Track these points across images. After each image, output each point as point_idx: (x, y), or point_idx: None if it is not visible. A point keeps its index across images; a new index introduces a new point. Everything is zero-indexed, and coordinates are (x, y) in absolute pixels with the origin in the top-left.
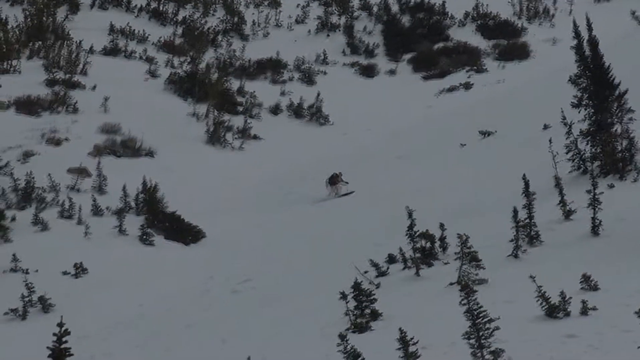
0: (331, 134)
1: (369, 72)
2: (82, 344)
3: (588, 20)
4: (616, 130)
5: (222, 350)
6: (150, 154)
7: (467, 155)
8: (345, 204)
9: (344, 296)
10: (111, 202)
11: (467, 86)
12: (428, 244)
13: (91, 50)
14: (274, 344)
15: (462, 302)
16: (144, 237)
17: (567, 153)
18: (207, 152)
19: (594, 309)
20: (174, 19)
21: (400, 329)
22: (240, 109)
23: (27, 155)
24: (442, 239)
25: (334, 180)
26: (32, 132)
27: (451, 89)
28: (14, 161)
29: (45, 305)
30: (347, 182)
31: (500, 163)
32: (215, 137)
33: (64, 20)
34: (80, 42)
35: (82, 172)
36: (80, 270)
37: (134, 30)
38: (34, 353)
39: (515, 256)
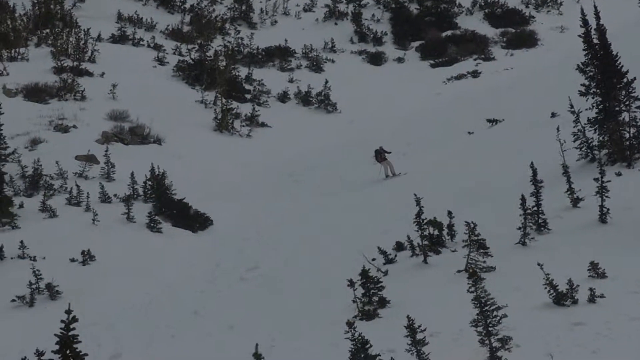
0: (339, 121)
1: (376, 60)
2: (90, 330)
3: (596, 8)
4: (624, 118)
5: (230, 336)
6: (158, 141)
7: (474, 142)
8: (351, 192)
9: (351, 284)
10: (119, 189)
11: (475, 74)
12: (436, 232)
13: (99, 38)
14: (282, 330)
15: (470, 290)
16: (152, 224)
17: (574, 141)
18: (215, 139)
19: (602, 296)
20: (182, 7)
21: (408, 316)
22: (248, 96)
23: (34, 143)
24: (450, 226)
25: (381, 156)
26: (40, 119)
27: (459, 77)
28: (21, 148)
29: (52, 292)
30: (389, 152)
31: (507, 151)
32: (223, 124)
33: (72, 8)
34: (88, 29)
35: (90, 159)
36: (87, 257)
37: (142, 18)
38: (41, 340)
39: (523, 244)
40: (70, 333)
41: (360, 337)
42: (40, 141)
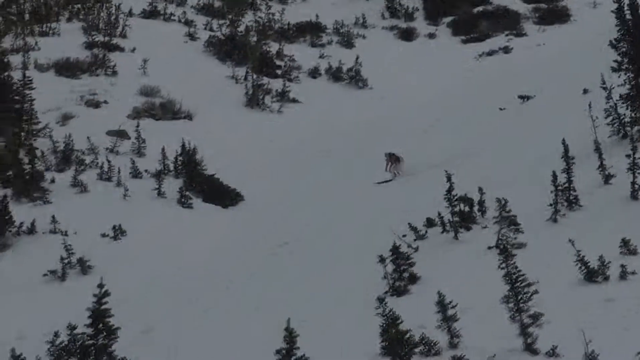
0: (370, 97)
1: (408, 35)
2: (121, 305)
3: None
4: None
5: (260, 312)
6: (189, 116)
7: (506, 119)
8: (382, 169)
9: (382, 260)
10: (150, 165)
11: (507, 50)
12: (466, 208)
13: (130, 13)
14: (312, 307)
15: (501, 266)
16: (183, 199)
17: (606, 117)
18: (245, 115)
19: (633, 273)
20: None
21: (438, 292)
22: (279, 72)
23: (66, 118)
24: (481, 202)
25: (393, 158)
26: (71, 94)
27: (490, 53)
28: (53, 123)
29: (84, 267)
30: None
31: (539, 127)
32: (254, 100)
33: None
34: (119, 4)
35: (121, 134)
36: (119, 232)
37: None
38: (73, 314)
39: (554, 220)
40: (102, 307)
41: (391, 313)
42: (72, 116)
